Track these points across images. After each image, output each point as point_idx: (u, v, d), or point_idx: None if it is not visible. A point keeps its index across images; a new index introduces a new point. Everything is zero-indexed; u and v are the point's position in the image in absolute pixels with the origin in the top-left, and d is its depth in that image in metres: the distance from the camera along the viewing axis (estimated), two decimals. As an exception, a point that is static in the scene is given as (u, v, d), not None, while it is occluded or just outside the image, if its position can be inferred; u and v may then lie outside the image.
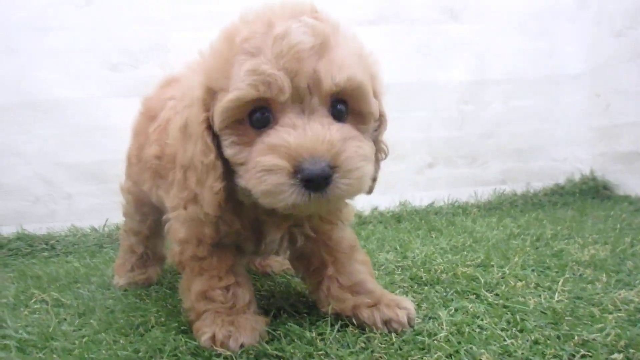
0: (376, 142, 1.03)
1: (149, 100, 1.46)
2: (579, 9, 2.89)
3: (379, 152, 1.05)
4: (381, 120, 1.02)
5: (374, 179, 1.05)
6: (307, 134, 0.83)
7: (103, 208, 2.51)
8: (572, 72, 2.92)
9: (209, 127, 0.92)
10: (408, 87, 2.78)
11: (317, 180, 0.81)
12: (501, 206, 2.68)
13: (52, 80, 2.48)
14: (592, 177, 2.86)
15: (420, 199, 2.77)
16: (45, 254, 2.25)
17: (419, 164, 2.86)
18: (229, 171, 0.94)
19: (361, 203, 2.61)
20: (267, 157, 0.84)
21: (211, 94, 0.91)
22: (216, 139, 0.93)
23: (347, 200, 1.17)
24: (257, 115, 0.89)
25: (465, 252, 1.66)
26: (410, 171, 2.84)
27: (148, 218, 1.57)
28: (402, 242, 1.92)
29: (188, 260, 1.10)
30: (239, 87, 0.85)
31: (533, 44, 2.89)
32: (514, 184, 2.91)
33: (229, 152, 0.91)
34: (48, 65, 2.48)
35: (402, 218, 2.53)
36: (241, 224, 1.06)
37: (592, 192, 2.78)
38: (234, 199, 0.98)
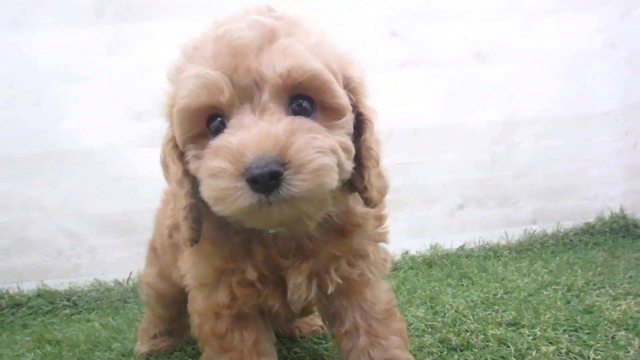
0: (363, 147, 0.92)
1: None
2: (609, 48, 2.88)
3: (369, 159, 0.92)
4: (364, 121, 0.92)
5: (382, 193, 0.98)
6: (251, 132, 0.76)
7: (128, 260, 2.47)
8: (603, 111, 2.90)
9: (176, 145, 0.89)
10: (438, 130, 2.80)
11: (263, 179, 0.72)
12: (532, 247, 2.67)
13: (77, 130, 2.48)
14: (622, 215, 2.83)
15: (451, 242, 2.76)
16: (67, 311, 2.20)
17: (450, 207, 2.86)
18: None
19: (392, 247, 2.62)
20: (211, 161, 0.78)
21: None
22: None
23: (383, 245, 1.14)
24: (213, 123, 0.83)
25: (496, 307, 1.66)
26: (441, 214, 2.85)
27: (171, 307, 1.49)
28: (432, 293, 1.94)
29: (208, 335, 1.06)
30: (183, 96, 0.82)
31: (563, 84, 2.88)
32: (544, 223, 2.88)
33: (191, 167, 0.86)
34: (74, 115, 2.47)
35: (433, 263, 2.54)
36: (256, 272, 0.97)
37: (622, 230, 2.75)
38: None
